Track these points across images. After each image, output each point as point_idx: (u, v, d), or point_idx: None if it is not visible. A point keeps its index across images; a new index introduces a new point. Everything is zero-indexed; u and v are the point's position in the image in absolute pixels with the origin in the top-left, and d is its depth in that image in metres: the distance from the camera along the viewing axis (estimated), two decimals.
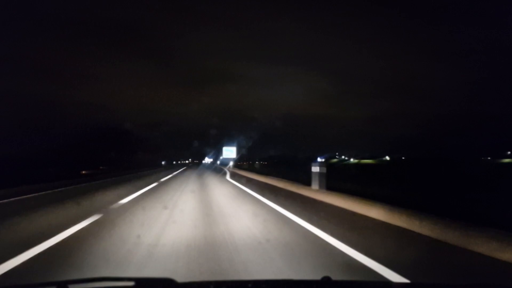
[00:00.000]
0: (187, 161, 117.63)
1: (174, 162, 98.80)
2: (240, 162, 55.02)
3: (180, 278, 1.35)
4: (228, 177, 17.16)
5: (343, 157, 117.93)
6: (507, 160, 71.61)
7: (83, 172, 25.24)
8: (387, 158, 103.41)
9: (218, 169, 31.40)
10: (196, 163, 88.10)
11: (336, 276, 1.72)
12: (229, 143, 47.47)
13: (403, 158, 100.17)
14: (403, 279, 2.46)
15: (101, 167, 36.63)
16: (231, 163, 37.08)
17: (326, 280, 1.33)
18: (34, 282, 2.12)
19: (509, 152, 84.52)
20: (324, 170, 7.92)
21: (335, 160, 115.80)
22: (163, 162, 70.71)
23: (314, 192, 7.70)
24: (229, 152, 46.23)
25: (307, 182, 8.63)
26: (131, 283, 1.22)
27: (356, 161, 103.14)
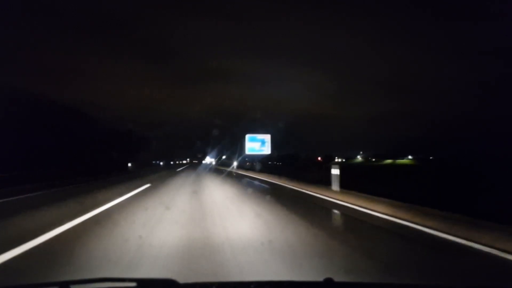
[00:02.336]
0: (184, 161, 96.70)
1: (161, 164, 63.70)
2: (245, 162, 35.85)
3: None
4: None
5: (358, 157, 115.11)
6: None
7: None
8: (410, 157, 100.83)
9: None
10: (196, 164, 69.73)
11: (338, 277, 1.62)
12: (256, 130, 28.72)
13: (430, 158, 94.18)
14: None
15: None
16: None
17: (328, 282, 1.33)
18: (35, 283, 2.03)
19: None
20: None
21: (359, 159, 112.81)
22: (129, 164, 34.93)
23: None
24: (258, 144, 27.12)
25: None
26: (133, 284, 1.23)
27: (390, 161, 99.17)
